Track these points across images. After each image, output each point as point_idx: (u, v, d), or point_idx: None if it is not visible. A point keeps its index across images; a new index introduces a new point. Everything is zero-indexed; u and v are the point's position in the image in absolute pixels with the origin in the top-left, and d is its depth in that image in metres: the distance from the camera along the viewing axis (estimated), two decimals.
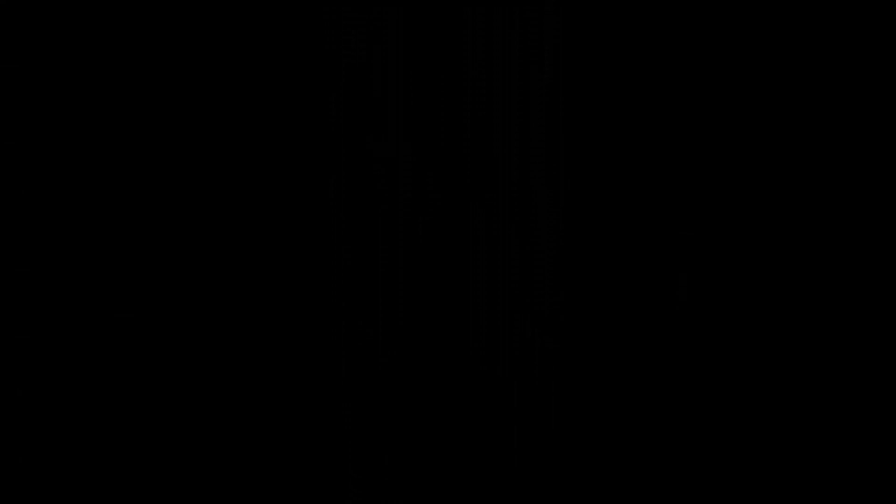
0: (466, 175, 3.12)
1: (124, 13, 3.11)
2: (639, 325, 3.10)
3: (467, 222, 3.12)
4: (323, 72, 3.12)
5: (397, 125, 3.12)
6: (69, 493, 3.07)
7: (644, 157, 3.12)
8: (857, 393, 3.08)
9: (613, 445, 3.09)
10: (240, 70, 3.11)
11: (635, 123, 3.12)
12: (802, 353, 3.09)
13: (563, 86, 3.12)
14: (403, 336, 3.11)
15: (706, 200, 3.11)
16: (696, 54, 3.11)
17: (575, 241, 3.11)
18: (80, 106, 3.10)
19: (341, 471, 3.10)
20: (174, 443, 3.08)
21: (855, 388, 3.08)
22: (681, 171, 3.11)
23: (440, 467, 3.10)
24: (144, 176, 3.10)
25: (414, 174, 3.12)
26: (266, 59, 3.11)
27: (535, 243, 3.11)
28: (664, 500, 3.08)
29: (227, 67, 3.10)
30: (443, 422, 3.10)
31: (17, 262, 3.08)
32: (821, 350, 3.08)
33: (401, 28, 3.11)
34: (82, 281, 3.09)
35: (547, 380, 3.10)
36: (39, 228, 3.09)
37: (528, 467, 3.10)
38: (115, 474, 3.07)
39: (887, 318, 3.08)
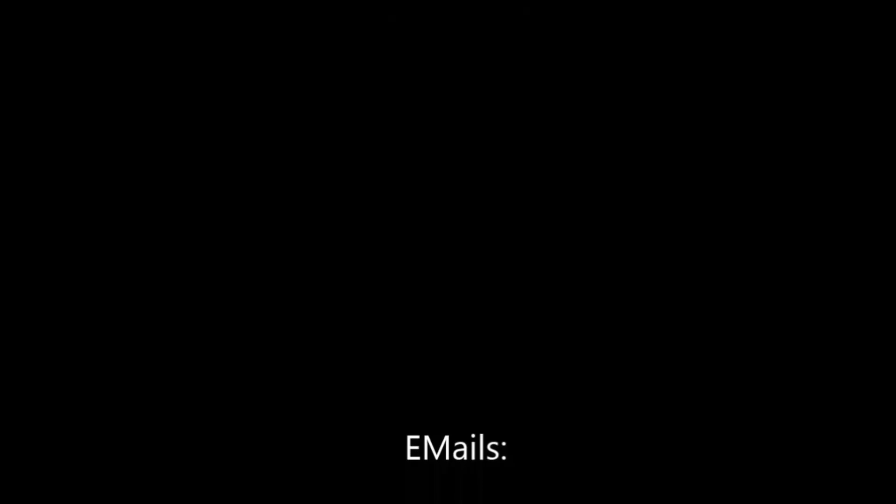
0: (466, 175, 3.13)
1: (125, 13, 3.11)
2: (638, 325, 3.11)
3: (467, 222, 3.13)
4: (323, 72, 3.12)
5: (397, 125, 3.12)
6: (69, 493, 3.07)
7: (643, 158, 3.12)
8: (855, 392, 3.08)
9: (613, 444, 3.10)
10: (240, 70, 3.11)
11: (634, 123, 3.12)
12: (801, 353, 3.09)
13: (563, 86, 3.12)
14: (403, 336, 3.12)
15: (706, 200, 3.12)
16: (696, 54, 3.12)
17: (575, 241, 3.12)
18: (80, 106, 3.11)
19: (341, 471, 3.10)
20: (174, 443, 3.08)
21: (854, 388, 3.08)
22: (681, 170, 3.12)
23: (440, 467, 3.10)
24: (144, 176, 3.11)
25: (414, 174, 3.12)
26: (266, 59, 3.11)
27: (535, 243, 3.12)
28: (664, 499, 3.08)
29: (228, 67, 3.11)
30: (443, 422, 3.11)
31: (17, 262, 3.09)
32: (819, 349, 3.09)
33: (401, 28, 3.12)
34: (82, 281, 3.09)
35: (547, 380, 3.11)
36: (39, 228, 3.09)
37: (529, 466, 3.10)
38: (115, 474, 3.07)
39: (886, 317, 3.08)
